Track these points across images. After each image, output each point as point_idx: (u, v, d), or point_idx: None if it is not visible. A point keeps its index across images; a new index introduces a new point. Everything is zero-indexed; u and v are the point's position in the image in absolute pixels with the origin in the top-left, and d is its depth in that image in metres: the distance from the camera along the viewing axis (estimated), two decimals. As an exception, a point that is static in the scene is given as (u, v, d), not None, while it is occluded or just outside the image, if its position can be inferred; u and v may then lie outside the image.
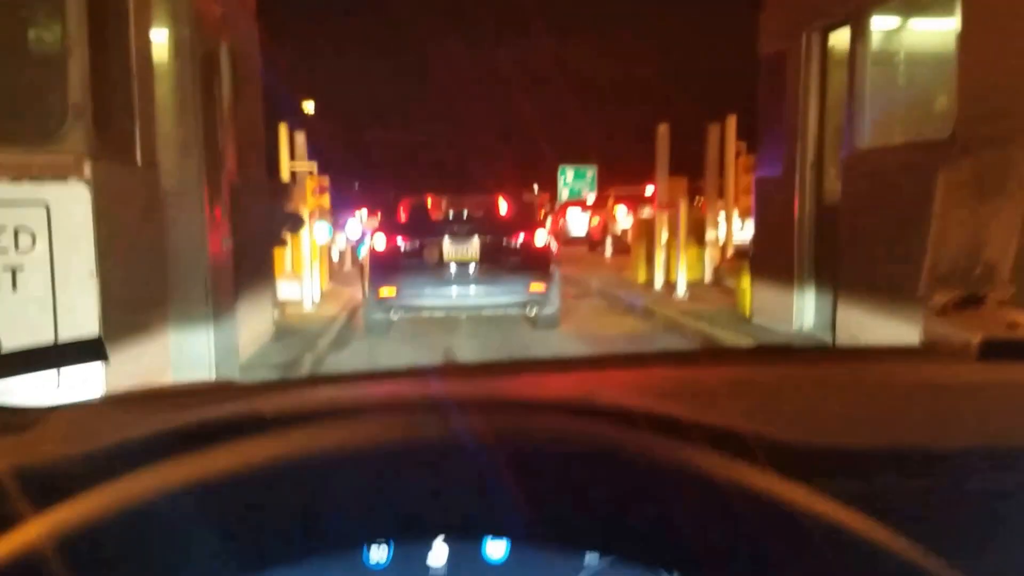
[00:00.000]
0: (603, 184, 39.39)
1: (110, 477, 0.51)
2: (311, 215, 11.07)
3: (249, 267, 7.03)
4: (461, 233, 8.99)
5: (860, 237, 6.57)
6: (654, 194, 13.63)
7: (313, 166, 12.32)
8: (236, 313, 6.23)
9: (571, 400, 0.73)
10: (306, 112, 36.58)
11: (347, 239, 17.13)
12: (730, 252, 12.51)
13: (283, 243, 9.19)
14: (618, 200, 25.06)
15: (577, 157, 46.42)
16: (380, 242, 9.08)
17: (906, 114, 6.79)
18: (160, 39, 5.57)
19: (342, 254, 17.79)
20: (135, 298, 4.76)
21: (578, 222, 27.25)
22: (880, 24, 6.87)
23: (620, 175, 34.00)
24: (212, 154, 5.90)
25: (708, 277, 12.99)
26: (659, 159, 13.26)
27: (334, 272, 15.37)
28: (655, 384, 0.93)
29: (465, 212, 9.95)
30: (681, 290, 11.18)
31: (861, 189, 6.65)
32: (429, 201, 10.68)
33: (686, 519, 0.49)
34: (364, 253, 9.64)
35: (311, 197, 11.77)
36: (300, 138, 12.77)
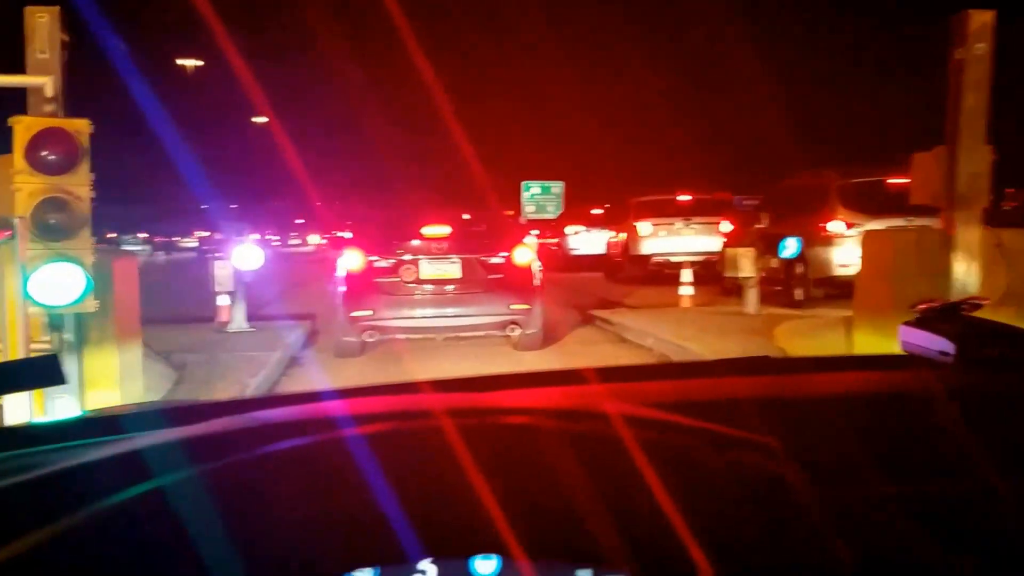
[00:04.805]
0: (572, 201, 32.30)
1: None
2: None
3: None
4: (440, 250, 8.56)
5: None
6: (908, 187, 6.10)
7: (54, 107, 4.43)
8: None
9: (571, 410, 0.73)
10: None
11: (233, 272, 9.64)
12: None
13: None
14: (640, 212, 17.40)
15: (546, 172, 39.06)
16: (354, 260, 8.54)
17: None
18: None
19: (232, 296, 10.09)
20: None
21: (585, 240, 20.19)
22: None
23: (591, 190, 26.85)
24: None
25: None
26: (965, 113, 5.74)
27: (201, 342, 7.59)
28: (661, 396, 0.96)
29: (444, 228, 8.70)
30: None
31: None
32: (405, 217, 9.33)
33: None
34: (342, 273, 8.52)
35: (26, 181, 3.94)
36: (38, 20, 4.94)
